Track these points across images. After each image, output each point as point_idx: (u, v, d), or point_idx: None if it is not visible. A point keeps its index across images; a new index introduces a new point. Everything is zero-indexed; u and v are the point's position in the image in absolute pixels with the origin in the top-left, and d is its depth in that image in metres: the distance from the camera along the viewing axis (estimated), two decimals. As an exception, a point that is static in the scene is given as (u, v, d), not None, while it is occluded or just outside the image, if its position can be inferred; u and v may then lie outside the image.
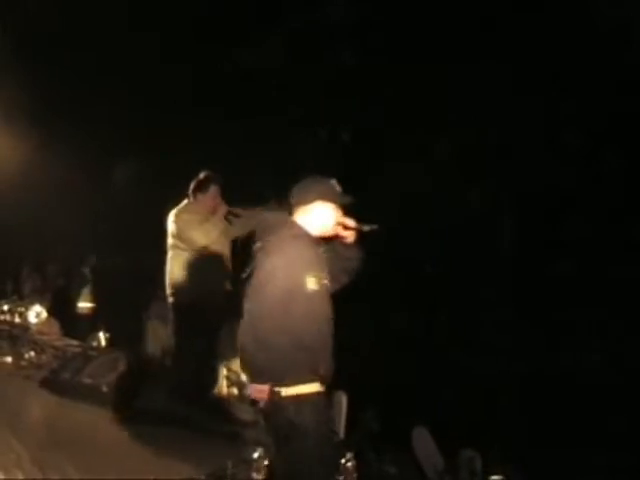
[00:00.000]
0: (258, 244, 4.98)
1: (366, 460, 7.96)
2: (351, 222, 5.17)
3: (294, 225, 5.01)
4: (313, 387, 4.81)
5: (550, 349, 10.55)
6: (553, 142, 13.18)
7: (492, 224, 13.13)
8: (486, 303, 12.07)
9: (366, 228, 5.22)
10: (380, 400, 9.50)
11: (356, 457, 7.22)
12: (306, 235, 5.00)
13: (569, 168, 12.62)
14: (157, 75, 16.96)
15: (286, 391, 4.72)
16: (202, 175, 8.90)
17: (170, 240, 8.79)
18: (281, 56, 15.39)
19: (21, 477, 7.03)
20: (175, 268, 8.73)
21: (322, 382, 4.87)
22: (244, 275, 5.00)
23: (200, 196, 8.81)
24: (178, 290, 8.72)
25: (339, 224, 5.14)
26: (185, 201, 8.93)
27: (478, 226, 13.16)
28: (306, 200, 5.04)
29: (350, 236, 5.21)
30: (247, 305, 4.87)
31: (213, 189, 8.83)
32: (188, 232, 8.62)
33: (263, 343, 4.71)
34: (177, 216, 8.76)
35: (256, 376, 4.82)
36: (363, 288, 13.19)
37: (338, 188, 5.12)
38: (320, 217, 5.04)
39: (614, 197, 12.03)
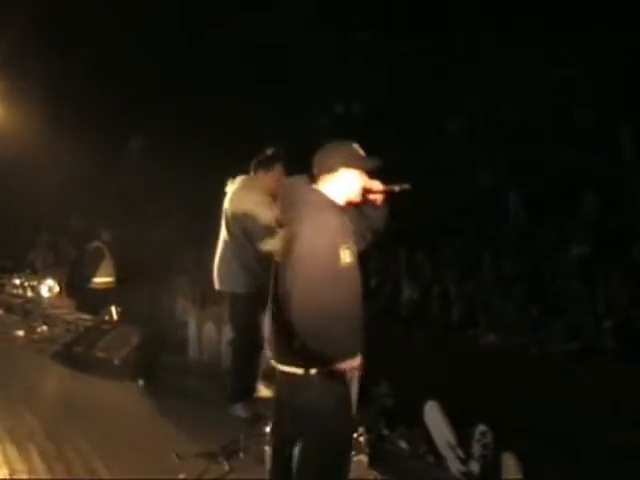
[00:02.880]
0: (284, 217, 4.81)
1: (378, 435, 7.97)
2: (378, 185, 5.01)
3: (321, 195, 4.81)
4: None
5: (561, 326, 10.52)
6: (566, 119, 13.11)
7: (502, 201, 13.08)
8: (498, 279, 12.04)
9: (397, 188, 5.02)
10: (392, 375, 9.50)
11: (368, 432, 7.23)
12: (333, 205, 4.80)
13: (583, 146, 12.56)
14: (170, 48, 16.97)
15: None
16: (269, 151, 8.03)
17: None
18: (295, 28, 15.35)
19: (35, 450, 7.07)
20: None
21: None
22: (276, 252, 4.87)
23: (261, 173, 7.91)
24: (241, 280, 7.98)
25: (366, 190, 4.96)
26: (242, 178, 8.08)
27: (489, 203, 13.14)
28: (330, 168, 4.81)
29: (379, 199, 5.05)
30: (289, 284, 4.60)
31: (277, 168, 7.87)
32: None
33: (316, 323, 4.54)
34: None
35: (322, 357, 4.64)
36: (373, 263, 13.24)
37: (361, 152, 4.93)
38: (346, 184, 4.84)
39: (628, 176, 11.96)
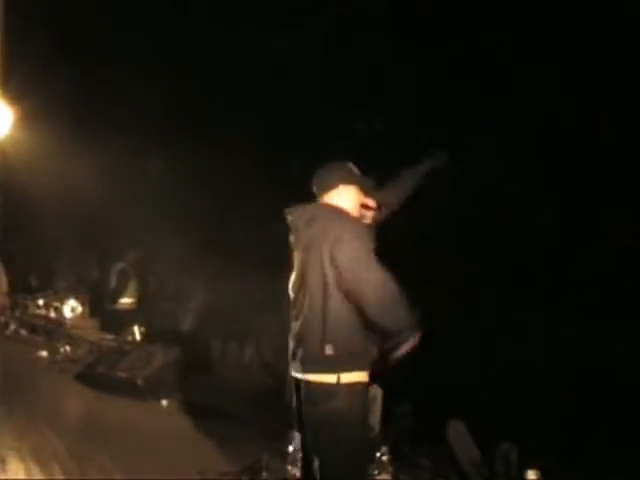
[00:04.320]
0: (305, 235, 4.95)
1: (401, 454, 7.96)
2: (372, 202, 5.21)
3: (338, 208, 5.01)
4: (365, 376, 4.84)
5: (587, 341, 10.47)
6: (592, 135, 13.04)
7: (530, 215, 13.02)
8: (520, 295, 11.99)
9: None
10: (415, 394, 9.47)
11: (391, 451, 7.23)
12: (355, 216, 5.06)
13: (608, 160, 12.49)
14: (190, 68, 17.05)
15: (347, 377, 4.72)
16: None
17: None
18: (317, 47, 15.36)
19: (58, 470, 7.08)
20: None
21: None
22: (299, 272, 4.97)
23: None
24: None
25: (362, 205, 5.17)
26: None
27: (516, 216, 13.08)
28: (331, 186, 5.07)
29: (370, 216, 5.26)
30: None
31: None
32: None
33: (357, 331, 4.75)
34: None
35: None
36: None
37: (357, 171, 5.16)
38: (345, 200, 5.05)
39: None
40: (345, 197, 5.06)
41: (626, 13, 11.58)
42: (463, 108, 13.42)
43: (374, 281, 4.71)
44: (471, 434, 8.10)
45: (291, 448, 6.76)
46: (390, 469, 7.03)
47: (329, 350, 4.68)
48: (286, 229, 5.12)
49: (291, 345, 4.96)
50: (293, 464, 6.63)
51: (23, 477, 6.79)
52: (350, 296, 4.70)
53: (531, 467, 7.12)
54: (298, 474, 6.40)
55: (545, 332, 10.99)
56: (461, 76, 13.41)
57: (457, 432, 8.11)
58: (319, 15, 15.34)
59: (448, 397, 9.67)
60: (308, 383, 4.78)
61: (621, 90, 11.93)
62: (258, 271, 12.69)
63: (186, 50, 16.96)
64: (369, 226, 5.13)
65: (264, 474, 6.96)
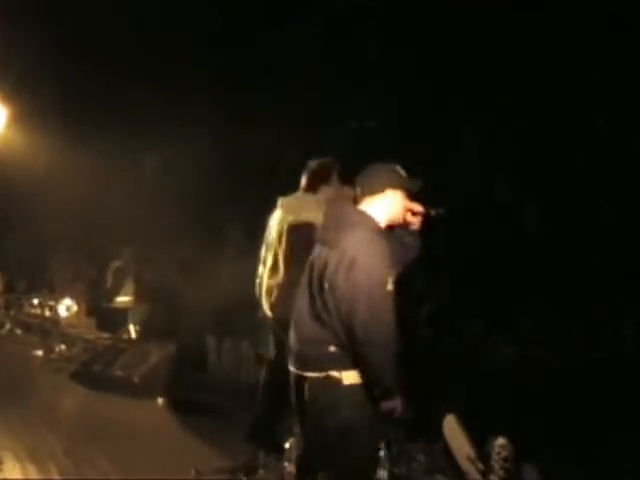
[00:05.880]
0: (329, 235, 4.74)
1: (397, 449, 7.95)
2: (419, 207, 4.97)
3: (369, 218, 4.74)
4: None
5: (582, 338, 10.52)
6: (583, 129, 13.07)
7: (519, 213, 13.06)
8: (515, 291, 12.01)
9: (433, 212, 5.05)
10: (411, 389, 9.47)
11: (387, 446, 7.22)
12: (380, 229, 4.76)
13: (599, 156, 12.51)
14: (184, 64, 17.05)
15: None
16: (322, 162, 7.21)
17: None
18: (310, 45, 15.37)
19: (54, 470, 7.08)
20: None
21: None
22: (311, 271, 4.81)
23: (324, 188, 7.02)
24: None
25: (407, 210, 4.93)
26: (299, 193, 7.21)
27: (505, 216, 13.11)
28: (377, 189, 4.78)
29: (417, 222, 5.02)
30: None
31: (335, 179, 7.09)
32: None
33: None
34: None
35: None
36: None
37: (404, 173, 4.88)
38: (391, 206, 4.81)
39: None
40: (390, 202, 4.81)
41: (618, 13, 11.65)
42: (454, 104, 13.48)
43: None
44: (467, 429, 8.10)
45: (288, 445, 6.74)
46: (386, 464, 7.02)
47: (332, 348, 4.60)
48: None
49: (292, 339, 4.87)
50: (290, 461, 6.62)
51: (20, 477, 6.79)
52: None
53: (527, 462, 7.13)
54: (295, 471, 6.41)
55: (541, 327, 11.02)
56: (451, 73, 13.46)
57: (453, 427, 8.09)
58: (316, 11, 15.34)
59: (444, 392, 9.67)
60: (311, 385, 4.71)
61: (615, 88, 11.99)
62: (254, 268, 12.70)
63: (178, 47, 16.94)
64: (394, 248, 4.83)
65: (260, 471, 6.95)
